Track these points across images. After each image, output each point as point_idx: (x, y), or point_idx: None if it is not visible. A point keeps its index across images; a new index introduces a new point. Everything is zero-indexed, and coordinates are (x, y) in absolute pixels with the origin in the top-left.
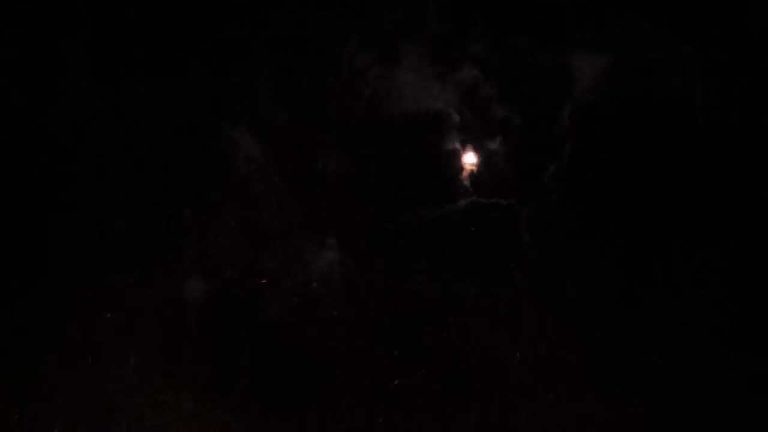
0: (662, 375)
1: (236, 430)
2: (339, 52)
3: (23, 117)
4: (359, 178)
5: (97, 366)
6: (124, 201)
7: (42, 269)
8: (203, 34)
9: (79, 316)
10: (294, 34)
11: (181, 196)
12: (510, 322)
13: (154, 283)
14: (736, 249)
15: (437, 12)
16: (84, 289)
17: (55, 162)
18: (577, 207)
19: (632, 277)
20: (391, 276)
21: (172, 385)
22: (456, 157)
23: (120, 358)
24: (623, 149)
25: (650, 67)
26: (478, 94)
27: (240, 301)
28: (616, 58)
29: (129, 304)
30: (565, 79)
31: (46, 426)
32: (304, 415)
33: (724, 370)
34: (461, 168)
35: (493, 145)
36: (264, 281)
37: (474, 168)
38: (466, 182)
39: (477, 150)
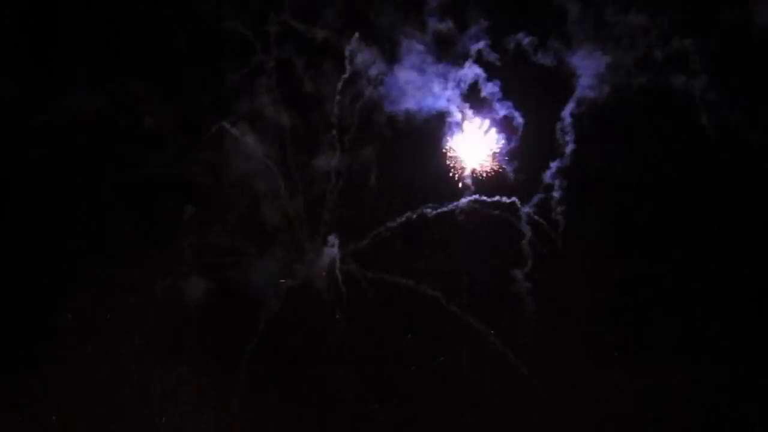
0: (662, 375)
1: (236, 430)
2: (340, 50)
3: (23, 116)
4: (359, 178)
5: (97, 365)
6: (124, 201)
7: (42, 269)
8: (203, 33)
9: (79, 315)
10: (295, 34)
11: (181, 196)
12: (510, 322)
13: (154, 283)
14: (737, 247)
15: (439, 11)
16: (84, 289)
17: (54, 161)
18: (578, 205)
19: (632, 276)
20: (391, 276)
21: (172, 384)
22: (457, 155)
23: (120, 357)
24: (624, 147)
25: (651, 66)
26: (480, 93)
27: (240, 301)
28: (617, 57)
29: (129, 304)
30: (567, 78)
31: (46, 426)
32: (304, 415)
33: (724, 370)
34: (463, 166)
35: (495, 143)
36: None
37: (476, 166)
38: (468, 180)
39: (478, 148)
